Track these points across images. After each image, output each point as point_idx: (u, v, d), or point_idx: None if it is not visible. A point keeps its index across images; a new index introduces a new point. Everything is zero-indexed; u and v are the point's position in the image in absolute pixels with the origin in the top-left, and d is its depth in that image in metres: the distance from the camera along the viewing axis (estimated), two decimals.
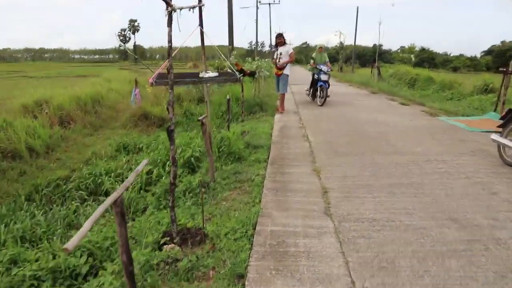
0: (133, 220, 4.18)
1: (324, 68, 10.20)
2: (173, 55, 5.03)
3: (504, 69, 8.73)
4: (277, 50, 8.79)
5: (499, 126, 5.30)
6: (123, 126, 10.01)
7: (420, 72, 18.53)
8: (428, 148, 5.66)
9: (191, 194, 4.16)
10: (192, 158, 5.31)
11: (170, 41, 2.92)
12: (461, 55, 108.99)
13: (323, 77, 10.13)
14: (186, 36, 4.03)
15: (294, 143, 5.90)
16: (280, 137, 6.35)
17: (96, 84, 14.02)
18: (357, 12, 33.78)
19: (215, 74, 4.82)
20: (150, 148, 7.50)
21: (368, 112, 9.21)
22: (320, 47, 10.85)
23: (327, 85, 10.32)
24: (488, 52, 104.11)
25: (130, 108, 11.12)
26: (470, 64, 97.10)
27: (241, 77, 4.32)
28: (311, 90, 11.25)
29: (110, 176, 5.68)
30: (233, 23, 20.01)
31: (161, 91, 13.31)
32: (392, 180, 4.20)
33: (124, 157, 7.06)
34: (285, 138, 6.23)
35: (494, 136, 5.06)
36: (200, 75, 4.83)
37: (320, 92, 10.41)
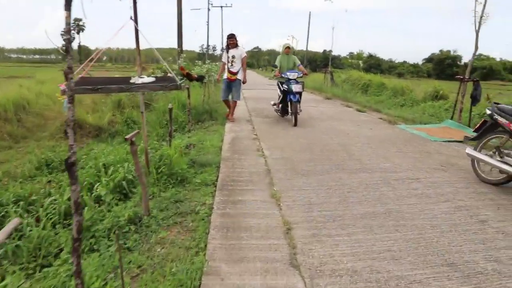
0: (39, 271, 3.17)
1: (292, 74, 7.95)
2: (98, 55, 4.05)
3: (461, 77, 8.51)
4: (228, 52, 7.87)
5: (472, 139, 4.84)
6: (52, 137, 8.72)
7: (373, 78, 18.51)
8: (396, 163, 5.09)
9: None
10: (124, 182, 4.33)
11: (68, 31, 1.97)
12: (404, 62, 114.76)
13: (295, 87, 7.74)
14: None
15: (248, 159, 5.09)
16: (231, 151, 5.51)
17: (24, 87, 12.45)
18: (309, 17, 33.99)
19: (151, 79, 3.91)
20: (80, 165, 6.38)
21: (325, 120, 8.63)
22: (287, 47, 8.50)
23: (299, 98, 7.87)
24: (429, 59, 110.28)
25: (63, 116, 9.80)
26: (413, 71, 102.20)
27: (183, 84, 3.45)
28: (280, 106, 8.63)
29: (19, 206, 4.53)
30: (183, 25, 19.00)
31: (101, 97, 12.04)
32: (365, 208, 3.51)
33: (45, 176, 5.90)
34: (237, 153, 5.41)
35: (469, 151, 4.56)
36: (132, 81, 3.90)
37: (291, 107, 7.90)
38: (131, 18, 3.70)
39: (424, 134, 7.38)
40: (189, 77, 7.01)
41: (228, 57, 7.81)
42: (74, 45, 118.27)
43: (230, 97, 8.18)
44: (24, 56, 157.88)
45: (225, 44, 7.99)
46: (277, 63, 8.41)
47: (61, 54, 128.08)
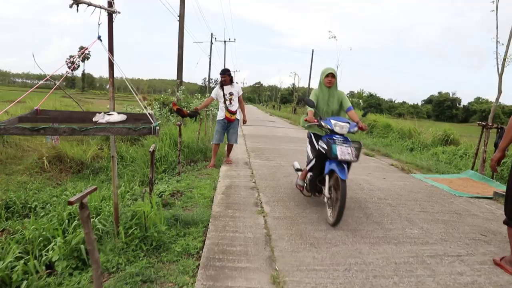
0: None
1: (340, 125, 4.26)
2: (44, 80, 3.26)
3: (484, 123, 7.69)
4: (222, 89, 6.89)
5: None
6: (26, 171, 7.78)
7: (378, 118, 17.83)
8: (425, 229, 4.14)
9: None
10: (82, 246, 3.36)
11: None
12: (404, 103, 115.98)
13: (343, 152, 4.05)
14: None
15: (243, 217, 4.14)
16: (224, 205, 4.57)
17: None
18: (312, 54, 33.78)
19: (121, 117, 3.06)
20: (46, 209, 5.43)
21: None
22: (331, 75, 4.68)
23: (347, 172, 4.16)
24: (428, 101, 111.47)
25: (44, 147, 8.90)
26: (413, 111, 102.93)
27: (157, 127, 2.58)
28: (309, 177, 4.76)
29: None
30: (186, 57, 18.48)
31: None
32: None
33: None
34: (230, 208, 4.46)
35: None
36: (95, 118, 3.04)
37: (330, 189, 4.26)
38: (98, 37, 2.88)
39: (446, 187, 6.47)
40: (180, 113, 6.19)
41: (224, 95, 6.85)
42: (78, 73, 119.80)
43: (224, 139, 7.31)
44: (29, 81, 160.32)
45: (219, 79, 7.02)
46: (312, 98, 4.68)
47: (65, 80, 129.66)
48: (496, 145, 7.46)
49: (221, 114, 7.03)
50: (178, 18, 18.17)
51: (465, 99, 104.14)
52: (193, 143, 8.33)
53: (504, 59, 7.57)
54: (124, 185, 6.13)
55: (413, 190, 6.08)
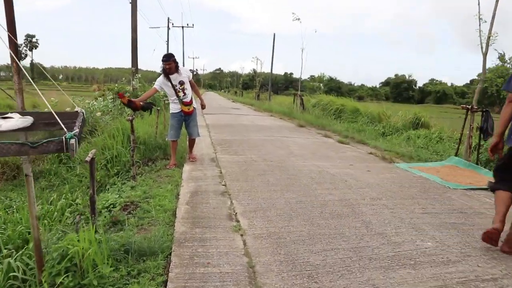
0: None
1: None
2: None
3: (469, 107, 7.13)
4: (169, 80, 5.72)
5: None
6: None
7: (346, 102, 17.30)
8: (438, 238, 3.41)
9: None
10: None
11: None
12: (363, 85, 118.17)
13: None
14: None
15: (216, 240, 3.21)
16: (190, 222, 3.62)
17: None
18: (274, 38, 32.78)
19: (23, 122, 2.07)
20: None
21: (309, 159, 6.94)
22: None
23: None
24: (385, 83, 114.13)
25: None
26: (372, 94, 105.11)
27: (74, 140, 1.61)
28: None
29: None
30: (143, 44, 17.15)
31: None
32: None
33: None
34: (199, 226, 3.52)
35: None
36: None
37: None
38: None
39: (437, 178, 5.85)
40: (130, 105, 5.14)
41: (174, 86, 5.72)
42: (26, 63, 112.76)
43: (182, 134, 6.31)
44: None
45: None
46: None
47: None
48: (481, 130, 6.95)
49: (175, 107, 5.97)
50: None
51: (420, 81, 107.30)
52: (150, 139, 7.24)
53: (489, 38, 6.99)
54: (65, 197, 5.03)
55: (404, 184, 5.39)
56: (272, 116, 17.22)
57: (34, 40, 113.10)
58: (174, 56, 5.79)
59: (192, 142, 6.48)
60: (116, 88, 16.23)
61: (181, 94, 5.79)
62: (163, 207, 3.99)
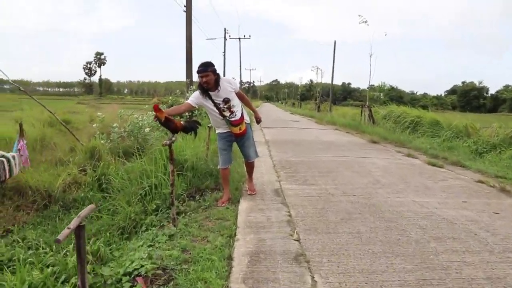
0: None
1: None
2: None
3: None
4: (210, 97, 4.25)
5: None
6: None
7: (423, 114, 15.12)
8: None
9: None
10: None
11: None
12: (426, 94, 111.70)
13: None
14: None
15: None
16: None
17: None
18: (334, 46, 30.85)
19: None
20: None
21: (400, 190, 5.24)
22: None
23: None
24: (452, 91, 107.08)
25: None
26: (436, 103, 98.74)
27: None
28: None
29: None
30: (197, 56, 16.31)
31: (72, 140, 9.03)
32: None
33: None
34: None
35: None
36: None
37: None
38: None
39: None
40: (168, 125, 3.83)
41: (217, 105, 4.30)
42: (95, 79, 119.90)
43: (235, 159, 4.88)
44: (49, 89, 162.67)
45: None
46: None
47: (83, 87, 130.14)
48: None
49: (221, 128, 4.59)
50: (184, 8, 15.92)
51: (493, 88, 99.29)
52: (200, 162, 5.96)
53: None
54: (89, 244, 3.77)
55: None
56: (337, 129, 15.48)
57: (102, 57, 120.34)
58: (213, 65, 4.22)
59: (250, 166, 5.02)
60: (170, 101, 15.49)
61: (227, 113, 4.35)
62: (207, 284, 2.57)
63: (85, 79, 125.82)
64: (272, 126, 15.34)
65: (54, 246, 4.49)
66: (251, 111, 4.96)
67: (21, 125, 7.16)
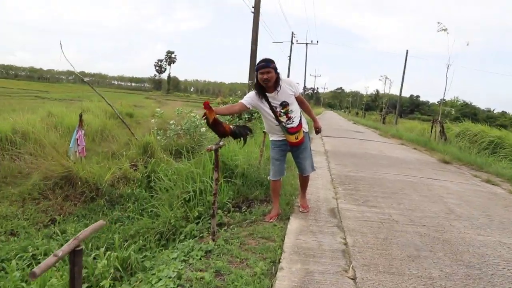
0: None
1: None
2: None
3: None
4: (267, 100, 3.79)
5: None
6: (21, 196, 5.63)
7: (504, 135, 13.56)
8: None
9: None
10: None
11: None
12: (504, 112, 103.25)
13: None
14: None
15: None
16: None
17: (45, 113, 10.01)
18: (406, 55, 29.05)
19: None
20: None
21: (481, 225, 4.40)
22: None
23: None
24: None
25: (61, 162, 6.72)
26: None
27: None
28: None
29: None
30: (260, 57, 15.96)
31: (128, 133, 9.05)
32: None
33: None
34: None
35: None
36: None
37: None
38: None
39: None
40: (217, 129, 3.41)
41: (273, 108, 3.80)
42: (165, 76, 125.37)
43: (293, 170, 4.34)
44: (123, 83, 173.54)
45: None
46: None
47: (153, 83, 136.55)
48: None
49: (276, 135, 4.07)
50: (252, 9, 15.71)
51: None
52: (252, 169, 5.53)
53: None
54: (109, 256, 3.45)
55: None
56: (403, 144, 14.35)
57: (173, 55, 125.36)
58: (274, 62, 3.74)
59: (304, 181, 4.46)
60: (230, 101, 15.32)
61: (284, 118, 3.84)
62: None
63: (155, 75, 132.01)
64: (333, 135, 14.58)
65: (89, 244, 4.29)
66: (311, 119, 4.41)
67: (80, 116, 7.20)
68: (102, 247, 3.84)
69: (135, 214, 5.33)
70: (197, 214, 4.39)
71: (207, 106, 3.30)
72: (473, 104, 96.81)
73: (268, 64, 3.65)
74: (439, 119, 14.95)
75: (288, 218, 4.12)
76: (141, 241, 4.17)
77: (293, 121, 3.86)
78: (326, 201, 4.91)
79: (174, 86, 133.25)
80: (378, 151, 11.01)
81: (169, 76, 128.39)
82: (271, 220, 4.06)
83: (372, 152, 10.60)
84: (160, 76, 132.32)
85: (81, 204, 5.80)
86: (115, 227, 4.87)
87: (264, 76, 3.64)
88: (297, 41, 40.05)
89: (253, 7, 15.83)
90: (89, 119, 11.15)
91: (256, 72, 3.68)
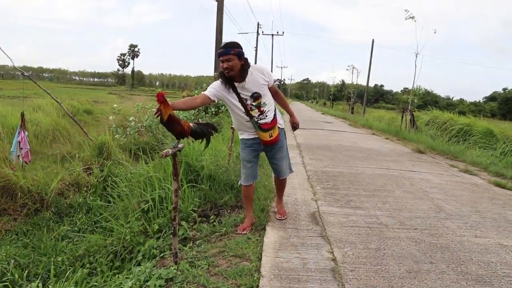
0: None
1: None
2: None
3: None
4: (233, 89, 3.14)
5: None
6: None
7: (473, 122, 13.57)
8: None
9: None
10: None
11: None
12: (462, 100, 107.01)
13: None
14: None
15: None
16: None
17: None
18: (372, 44, 29.11)
19: None
20: None
21: (474, 224, 4.00)
22: None
23: None
24: (491, 98, 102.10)
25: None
26: (474, 109, 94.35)
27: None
28: None
29: None
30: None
31: (79, 131, 8.20)
32: None
33: None
34: None
35: None
36: None
37: None
38: None
39: None
40: (172, 127, 2.73)
41: (243, 101, 3.17)
42: (128, 70, 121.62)
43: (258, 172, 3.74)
44: (84, 79, 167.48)
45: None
46: None
47: (116, 78, 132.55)
48: None
49: (246, 133, 3.43)
50: None
51: None
52: (219, 170, 4.91)
53: None
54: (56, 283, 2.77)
55: None
56: (374, 134, 14.12)
57: (136, 49, 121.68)
58: (239, 47, 3.05)
59: (281, 184, 3.88)
60: (196, 94, 14.58)
61: (255, 113, 3.22)
62: None
63: (118, 70, 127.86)
64: (304, 127, 14.15)
65: (25, 271, 3.55)
66: (288, 113, 3.79)
67: (22, 115, 6.33)
68: (39, 276, 3.15)
69: (87, 227, 4.62)
70: (158, 227, 3.75)
71: (161, 98, 2.63)
72: (434, 92, 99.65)
73: (228, 50, 2.99)
74: (409, 107, 14.83)
75: (264, 228, 3.55)
76: (89, 266, 3.47)
77: (266, 116, 3.26)
78: (305, 204, 4.37)
79: (138, 81, 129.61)
80: (352, 143, 10.64)
81: (133, 71, 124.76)
82: (245, 232, 3.48)
83: (346, 144, 10.20)
84: (123, 71, 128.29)
85: (22, 218, 5.00)
86: (61, 245, 4.15)
87: (225, 65, 3.01)
88: (263, 32, 39.40)
89: None
90: (39, 117, 10.16)
91: (220, 57, 3.06)
